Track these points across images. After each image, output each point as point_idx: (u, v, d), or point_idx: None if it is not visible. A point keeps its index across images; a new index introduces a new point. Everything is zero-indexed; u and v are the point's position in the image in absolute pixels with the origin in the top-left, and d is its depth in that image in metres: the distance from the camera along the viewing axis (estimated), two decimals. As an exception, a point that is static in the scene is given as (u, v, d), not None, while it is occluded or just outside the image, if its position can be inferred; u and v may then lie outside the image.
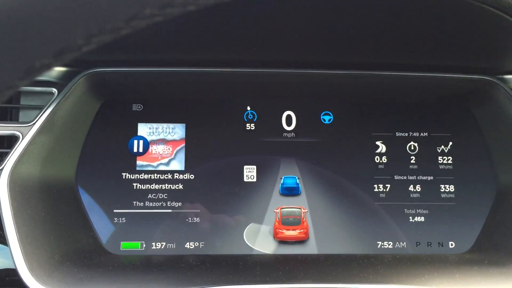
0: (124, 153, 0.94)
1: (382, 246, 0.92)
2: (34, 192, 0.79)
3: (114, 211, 0.91)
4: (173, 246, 0.91)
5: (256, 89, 0.96)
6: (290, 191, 0.94)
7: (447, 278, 0.77)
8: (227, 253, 0.91)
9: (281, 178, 0.95)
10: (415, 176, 0.97)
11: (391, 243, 0.93)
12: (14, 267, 0.69)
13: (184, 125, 0.96)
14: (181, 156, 0.95)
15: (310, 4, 0.67)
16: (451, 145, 0.98)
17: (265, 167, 0.95)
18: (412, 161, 0.97)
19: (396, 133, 0.98)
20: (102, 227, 0.90)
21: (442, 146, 0.98)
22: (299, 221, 0.93)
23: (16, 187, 0.75)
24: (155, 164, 0.95)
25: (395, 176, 0.96)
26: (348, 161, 0.96)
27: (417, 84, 0.93)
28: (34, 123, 0.79)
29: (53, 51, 0.26)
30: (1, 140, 0.82)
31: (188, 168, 0.95)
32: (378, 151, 0.97)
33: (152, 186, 0.93)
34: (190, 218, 0.92)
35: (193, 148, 0.95)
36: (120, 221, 0.91)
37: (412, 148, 0.98)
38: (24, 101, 0.87)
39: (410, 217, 0.94)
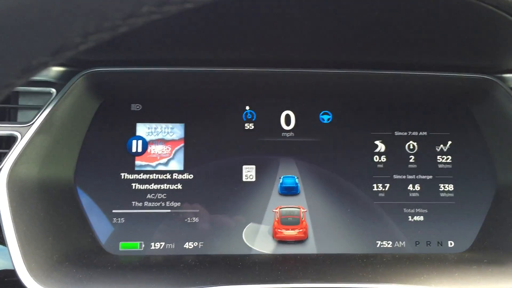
0: (122, 153, 0.94)
1: (381, 246, 0.92)
2: (32, 192, 0.79)
3: (113, 211, 0.91)
4: (172, 246, 0.91)
5: (255, 88, 0.96)
6: (289, 191, 0.94)
7: (446, 277, 0.77)
8: (226, 253, 0.90)
9: (280, 178, 0.95)
10: (414, 176, 0.97)
11: (390, 243, 0.93)
12: (12, 268, 0.69)
13: (183, 125, 0.96)
14: (180, 156, 0.95)
15: (309, 3, 0.67)
16: (450, 144, 0.98)
17: (264, 166, 0.95)
18: (411, 161, 0.97)
19: (395, 132, 0.98)
20: (101, 227, 0.90)
21: (441, 145, 0.98)
22: (298, 220, 0.93)
23: (15, 187, 0.75)
24: (154, 164, 0.95)
25: (394, 176, 0.96)
26: (347, 161, 0.96)
27: (416, 83, 0.93)
28: (32, 123, 0.79)
29: (50, 49, 0.26)
30: (-1, 140, 0.82)
31: (187, 168, 0.95)
32: (377, 150, 0.97)
33: (151, 186, 0.93)
34: (189, 218, 0.92)
35: (192, 148, 0.95)
36: (119, 221, 0.91)
37: (411, 147, 0.98)
38: (22, 101, 0.87)
39: (409, 217, 0.94)
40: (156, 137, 0.95)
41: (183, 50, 0.85)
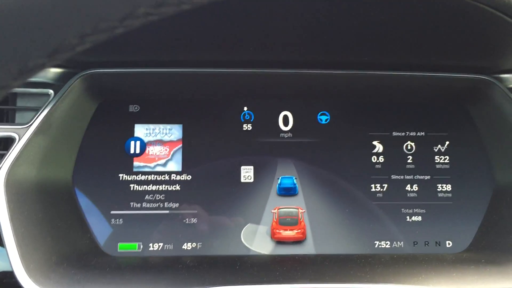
0: (121, 154, 0.94)
1: (380, 246, 0.93)
2: (31, 193, 0.79)
3: (111, 212, 0.91)
4: (171, 247, 0.91)
5: (253, 89, 0.96)
6: (287, 191, 0.94)
7: (444, 277, 0.77)
8: (225, 253, 0.90)
9: (278, 179, 0.95)
10: (412, 176, 0.97)
11: (389, 243, 0.93)
12: (10, 269, 0.69)
13: (181, 126, 0.96)
14: (178, 157, 0.95)
15: (306, 4, 0.67)
16: (447, 145, 0.98)
17: (262, 167, 0.95)
18: (409, 161, 0.97)
19: (393, 132, 0.99)
20: (99, 228, 0.90)
21: (439, 146, 0.98)
22: (297, 221, 0.93)
23: (13, 189, 0.74)
24: (152, 165, 0.95)
25: (392, 176, 0.97)
26: (345, 161, 0.96)
27: (413, 84, 0.93)
28: (30, 125, 0.78)
29: (46, 50, 0.26)
30: (-3, 141, 0.82)
31: (185, 169, 0.95)
32: (375, 151, 0.97)
33: (149, 187, 0.93)
34: (187, 219, 0.92)
35: (190, 149, 0.95)
36: (117, 223, 0.91)
37: (409, 147, 0.98)
38: (20, 103, 0.87)
39: (407, 217, 0.94)
40: (154, 138, 0.95)
41: (181, 51, 0.85)
